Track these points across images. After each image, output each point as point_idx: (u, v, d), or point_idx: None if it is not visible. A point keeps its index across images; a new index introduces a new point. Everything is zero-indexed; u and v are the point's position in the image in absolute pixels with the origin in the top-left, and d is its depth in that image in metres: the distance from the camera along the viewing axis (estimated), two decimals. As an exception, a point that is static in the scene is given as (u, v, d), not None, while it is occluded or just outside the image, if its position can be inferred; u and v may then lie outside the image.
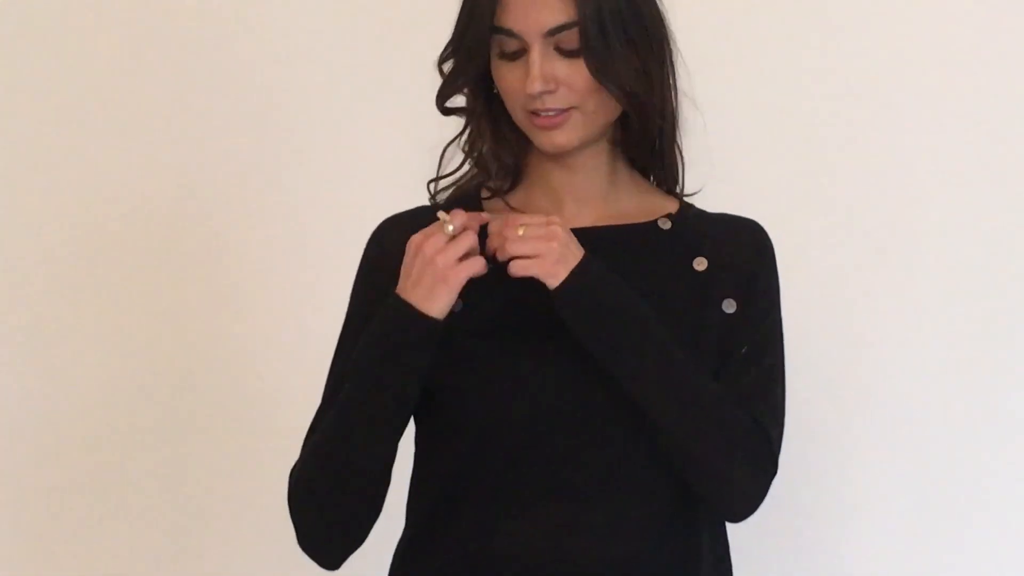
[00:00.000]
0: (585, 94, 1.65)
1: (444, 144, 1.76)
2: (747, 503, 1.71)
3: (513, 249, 1.61)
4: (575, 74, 1.64)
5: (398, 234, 1.69)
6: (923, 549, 2.42)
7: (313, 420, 1.72)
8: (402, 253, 1.65)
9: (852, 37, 2.43)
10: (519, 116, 1.68)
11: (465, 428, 1.67)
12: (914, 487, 2.41)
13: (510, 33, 1.64)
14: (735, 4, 2.45)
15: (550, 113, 1.65)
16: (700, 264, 1.72)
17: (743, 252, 1.74)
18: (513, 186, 1.75)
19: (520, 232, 1.61)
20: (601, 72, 1.64)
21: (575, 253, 1.62)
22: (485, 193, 1.75)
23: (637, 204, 1.76)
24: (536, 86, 1.63)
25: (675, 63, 1.73)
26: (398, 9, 2.47)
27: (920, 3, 2.42)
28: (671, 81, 1.72)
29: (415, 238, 1.63)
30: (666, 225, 1.74)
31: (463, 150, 1.75)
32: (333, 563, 1.72)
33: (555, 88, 1.64)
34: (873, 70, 2.43)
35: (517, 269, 1.61)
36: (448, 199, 1.76)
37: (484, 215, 1.68)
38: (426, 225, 1.65)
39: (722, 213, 1.79)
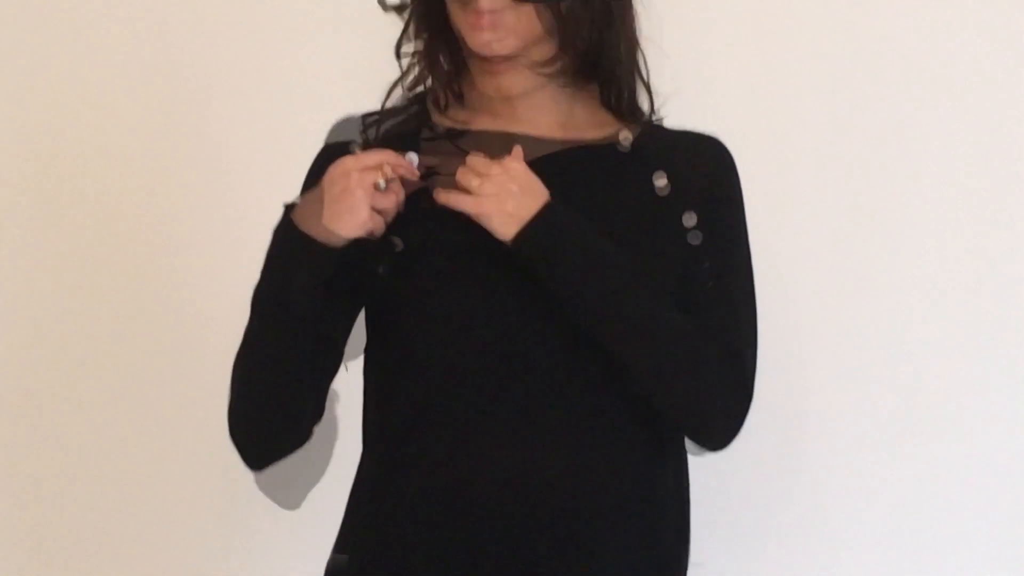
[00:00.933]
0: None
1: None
2: (726, 432, 1.72)
3: (466, 207, 1.62)
4: None
5: (353, 131, 1.73)
6: (918, 549, 2.35)
7: None
8: (356, 146, 1.70)
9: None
10: (456, 15, 1.68)
11: (422, 364, 1.67)
12: (907, 484, 2.34)
13: None
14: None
15: (483, 12, 1.65)
16: (660, 179, 1.71)
17: (704, 168, 1.74)
18: (457, 95, 1.74)
19: (475, 184, 1.62)
20: None
21: (528, 205, 1.61)
22: (427, 134, 1.74)
23: (589, 115, 1.75)
24: None
25: None
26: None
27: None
28: (625, 12, 1.72)
29: (344, 161, 1.63)
30: (626, 145, 1.73)
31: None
32: (252, 461, 1.74)
33: None
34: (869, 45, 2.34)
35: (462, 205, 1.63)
36: (387, 134, 1.74)
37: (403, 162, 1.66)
38: (382, 123, 1.73)
39: (683, 129, 1.78)
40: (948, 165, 2.26)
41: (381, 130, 1.74)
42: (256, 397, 1.69)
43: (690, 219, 1.70)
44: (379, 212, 1.62)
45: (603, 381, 1.66)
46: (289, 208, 1.66)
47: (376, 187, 1.61)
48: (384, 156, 1.63)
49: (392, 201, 1.63)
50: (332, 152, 1.72)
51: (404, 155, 1.64)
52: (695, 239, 1.70)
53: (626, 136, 1.73)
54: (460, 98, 1.75)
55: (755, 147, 2.16)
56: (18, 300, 2.43)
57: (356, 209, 1.60)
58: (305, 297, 1.64)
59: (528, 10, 1.65)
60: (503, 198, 1.60)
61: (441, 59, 1.73)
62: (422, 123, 1.74)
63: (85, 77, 2.39)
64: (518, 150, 1.64)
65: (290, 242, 1.63)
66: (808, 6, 2.28)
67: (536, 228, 1.61)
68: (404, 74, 1.77)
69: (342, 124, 1.77)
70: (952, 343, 2.26)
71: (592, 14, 1.68)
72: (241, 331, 1.72)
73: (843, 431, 2.29)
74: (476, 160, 1.64)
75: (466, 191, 1.62)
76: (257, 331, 1.68)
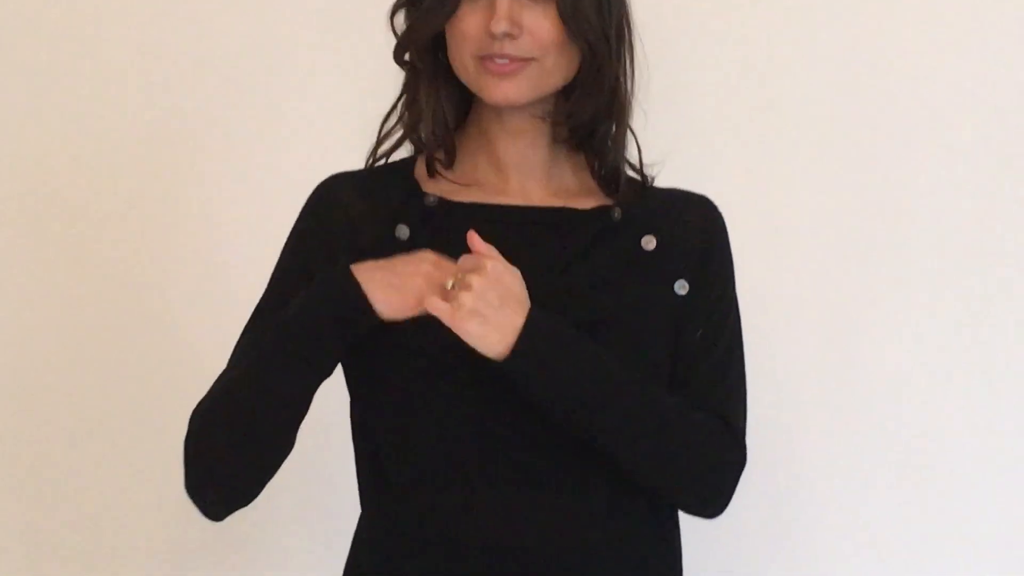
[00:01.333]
0: (547, 46, 1.62)
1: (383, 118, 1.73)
2: (720, 503, 1.71)
3: (444, 318, 1.57)
4: (543, 21, 1.61)
5: (346, 190, 1.68)
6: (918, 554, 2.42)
7: (229, 362, 1.69)
8: (350, 207, 1.66)
9: (840, 26, 2.41)
10: (469, 64, 1.64)
11: (418, 420, 1.64)
12: (904, 487, 2.41)
13: None
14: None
15: (505, 60, 1.61)
16: (649, 244, 1.69)
17: (694, 230, 1.72)
18: (452, 161, 1.70)
19: (450, 284, 1.58)
20: (572, 20, 1.61)
21: (509, 321, 1.56)
22: (419, 169, 1.71)
23: (579, 182, 1.73)
24: (502, 25, 1.59)
25: (633, 42, 1.70)
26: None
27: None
28: (627, 59, 1.69)
29: (430, 255, 1.59)
30: (617, 217, 1.70)
31: (401, 119, 1.71)
32: (216, 513, 1.68)
33: (519, 34, 1.60)
34: (865, 61, 2.41)
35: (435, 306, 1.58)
36: (379, 169, 1.73)
37: None
38: (373, 187, 1.67)
39: (671, 188, 1.76)
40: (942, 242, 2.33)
41: (368, 195, 1.69)
42: (252, 434, 1.62)
43: (682, 287, 1.68)
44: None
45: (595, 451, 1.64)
46: (345, 266, 1.61)
47: (443, 286, 1.57)
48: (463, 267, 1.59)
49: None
50: (331, 187, 1.71)
51: None
52: (682, 289, 1.68)
53: (618, 210, 1.69)
54: (450, 166, 1.70)
55: (745, 207, 2.20)
56: (15, 304, 2.46)
57: (408, 292, 1.58)
58: (335, 349, 1.62)
59: (553, 63, 1.63)
60: (483, 313, 1.55)
61: (447, 120, 1.68)
62: (410, 192, 1.70)
63: (80, 84, 2.43)
64: (477, 242, 1.59)
65: (345, 298, 1.58)
66: (801, 67, 2.34)
67: (520, 350, 1.56)
68: (384, 136, 1.72)
69: (331, 180, 1.72)
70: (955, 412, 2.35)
71: (603, 85, 1.66)
72: (230, 330, 1.71)
73: (836, 483, 2.37)
74: (451, 283, 1.58)
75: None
76: (264, 371, 1.61)
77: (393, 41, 1.69)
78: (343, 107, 2.31)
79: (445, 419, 1.63)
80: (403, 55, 1.68)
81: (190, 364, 2.42)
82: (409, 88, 1.70)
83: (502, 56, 1.61)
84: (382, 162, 1.74)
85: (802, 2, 2.39)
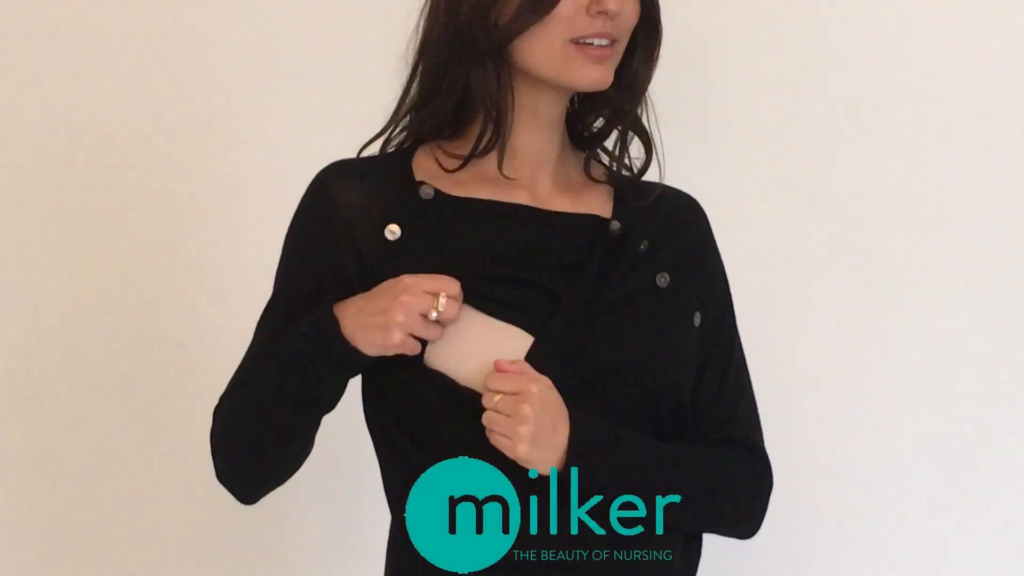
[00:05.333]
0: (630, 29, 1.64)
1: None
2: (759, 524, 1.75)
3: (485, 420, 1.57)
4: (632, 3, 1.63)
5: (342, 184, 1.65)
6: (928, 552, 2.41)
7: (244, 358, 1.70)
8: (344, 205, 1.63)
9: (845, 37, 2.40)
10: (558, 50, 1.61)
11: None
12: (920, 489, 2.40)
13: None
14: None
15: (604, 42, 1.61)
16: (644, 246, 1.68)
17: (683, 229, 1.73)
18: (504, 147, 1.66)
19: (495, 400, 1.56)
20: (651, 4, 1.66)
21: (559, 440, 1.57)
22: (419, 159, 1.68)
23: (580, 172, 1.72)
24: (613, 4, 1.59)
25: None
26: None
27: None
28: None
29: (405, 281, 1.57)
30: (615, 231, 1.68)
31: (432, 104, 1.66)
32: (246, 500, 1.72)
33: (619, 11, 1.61)
34: (869, 73, 2.39)
35: (494, 440, 1.57)
36: (378, 159, 1.70)
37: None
38: (370, 179, 1.65)
39: (658, 185, 1.74)
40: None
41: (364, 189, 1.65)
42: (263, 454, 1.67)
43: (662, 279, 1.67)
44: (418, 338, 1.57)
45: None
46: (330, 306, 1.60)
47: (425, 316, 1.56)
48: (445, 285, 1.57)
49: (436, 333, 1.58)
50: (327, 181, 1.67)
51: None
52: (662, 280, 1.67)
53: (615, 225, 1.68)
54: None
55: (758, 212, 2.22)
56: (25, 302, 2.45)
57: (389, 330, 1.56)
58: (333, 389, 1.63)
59: (622, 48, 1.64)
60: (540, 439, 1.55)
61: (492, 106, 1.64)
62: (405, 184, 1.66)
63: (95, 77, 2.43)
64: (506, 364, 1.58)
65: (328, 344, 1.59)
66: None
67: (572, 463, 1.57)
68: (393, 123, 1.70)
69: (328, 174, 1.68)
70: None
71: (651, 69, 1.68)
72: (240, 332, 1.71)
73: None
74: (495, 377, 1.57)
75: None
76: (267, 406, 1.63)
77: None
78: (342, 108, 2.31)
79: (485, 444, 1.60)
80: (493, 50, 1.62)
81: (192, 364, 2.44)
82: (461, 76, 1.64)
83: (601, 36, 1.61)
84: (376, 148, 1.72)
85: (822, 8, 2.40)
